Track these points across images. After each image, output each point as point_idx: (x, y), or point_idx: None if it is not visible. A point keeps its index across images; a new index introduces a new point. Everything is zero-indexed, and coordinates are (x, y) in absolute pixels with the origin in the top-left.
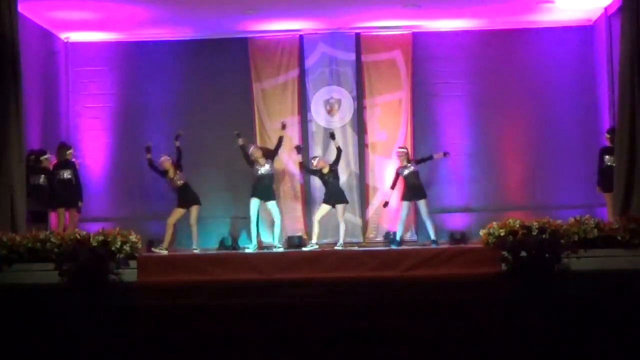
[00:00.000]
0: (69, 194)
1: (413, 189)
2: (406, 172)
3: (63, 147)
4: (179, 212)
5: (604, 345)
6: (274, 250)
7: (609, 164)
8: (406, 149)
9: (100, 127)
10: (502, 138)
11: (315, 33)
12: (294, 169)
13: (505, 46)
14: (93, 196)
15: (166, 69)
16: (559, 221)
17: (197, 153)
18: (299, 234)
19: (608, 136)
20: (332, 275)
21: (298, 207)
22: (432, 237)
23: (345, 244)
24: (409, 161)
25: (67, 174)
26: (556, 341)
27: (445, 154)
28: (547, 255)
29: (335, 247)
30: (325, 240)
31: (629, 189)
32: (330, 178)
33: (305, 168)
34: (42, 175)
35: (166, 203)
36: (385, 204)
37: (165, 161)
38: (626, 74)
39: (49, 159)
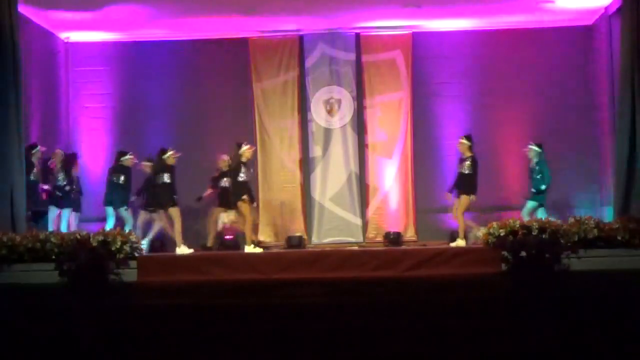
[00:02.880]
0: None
1: None
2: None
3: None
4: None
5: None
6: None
7: (465, 171)
8: None
9: (100, 127)
10: (502, 138)
11: (315, 33)
12: (294, 168)
13: (505, 46)
14: (93, 196)
15: (166, 69)
16: (559, 221)
17: (196, 153)
18: (299, 234)
19: (464, 142)
20: (332, 275)
21: (297, 207)
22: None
23: (345, 244)
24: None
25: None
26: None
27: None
28: (547, 255)
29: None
30: (325, 241)
31: (629, 189)
32: None
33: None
34: (123, 175)
35: None
36: None
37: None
38: (626, 74)
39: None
